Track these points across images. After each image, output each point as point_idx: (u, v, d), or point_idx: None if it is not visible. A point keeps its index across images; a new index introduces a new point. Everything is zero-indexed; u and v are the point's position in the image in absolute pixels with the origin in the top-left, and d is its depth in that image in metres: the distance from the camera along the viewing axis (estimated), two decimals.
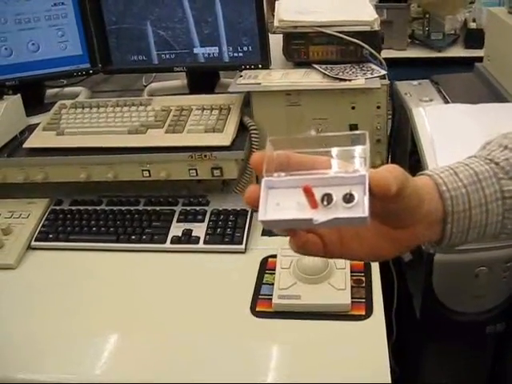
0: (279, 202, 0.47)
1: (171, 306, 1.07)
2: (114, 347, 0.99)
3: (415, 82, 1.41)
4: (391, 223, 0.52)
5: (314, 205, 0.45)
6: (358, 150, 0.47)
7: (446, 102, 1.29)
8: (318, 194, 0.45)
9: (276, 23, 1.31)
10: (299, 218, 0.45)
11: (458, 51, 1.88)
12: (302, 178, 0.46)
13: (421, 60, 1.88)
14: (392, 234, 0.53)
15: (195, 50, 1.36)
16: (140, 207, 1.29)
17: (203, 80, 1.50)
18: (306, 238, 0.49)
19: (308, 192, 0.45)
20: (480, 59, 1.64)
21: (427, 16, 1.87)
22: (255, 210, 0.47)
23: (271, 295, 1.03)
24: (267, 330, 0.99)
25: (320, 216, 0.45)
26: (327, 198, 0.45)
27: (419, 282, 1.25)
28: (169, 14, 1.33)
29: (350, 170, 0.46)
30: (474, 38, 1.87)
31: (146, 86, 1.58)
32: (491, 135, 1.14)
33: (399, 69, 1.61)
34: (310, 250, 0.50)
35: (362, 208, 0.44)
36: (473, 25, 1.88)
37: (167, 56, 1.38)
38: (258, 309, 1.02)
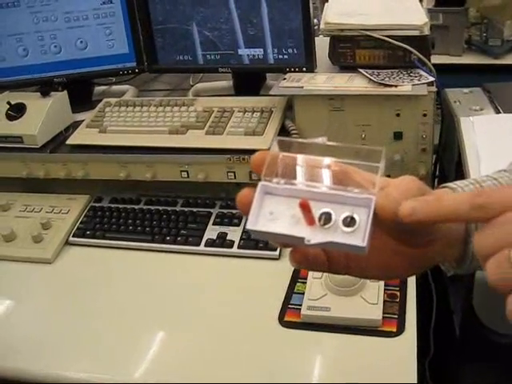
0: (273, 211, 0.43)
1: (200, 310, 1.06)
2: (143, 348, 0.99)
3: (466, 90, 1.35)
4: (406, 241, 0.47)
5: (310, 221, 0.42)
6: (371, 167, 0.43)
7: (497, 111, 1.23)
8: (316, 209, 0.41)
9: (322, 25, 1.28)
10: (290, 235, 0.42)
11: None
12: (301, 189, 0.43)
13: (476, 67, 1.80)
14: (406, 251, 0.48)
15: (240, 51, 1.35)
16: (177, 208, 1.29)
17: (249, 81, 1.48)
18: (305, 252, 0.45)
19: (305, 208, 0.41)
20: None
21: (485, 21, 1.79)
22: (245, 215, 0.43)
23: (300, 305, 1.01)
24: (293, 341, 0.97)
25: (314, 236, 0.41)
26: (325, 216, 0.41)
27: (461, 298, 1.20)
28: (214, 14, 1.32)
29: (356, 190, 0.42)
30: None
31: (192, 86, 1.58)
32: None
33: (454, 75, 1.55)
34: (312, 265, 0.47)
35: (361, 236, 0.40)
36: None
37: (212, 57, 1.37)
38: (286, 319, 1.00)
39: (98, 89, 1.58)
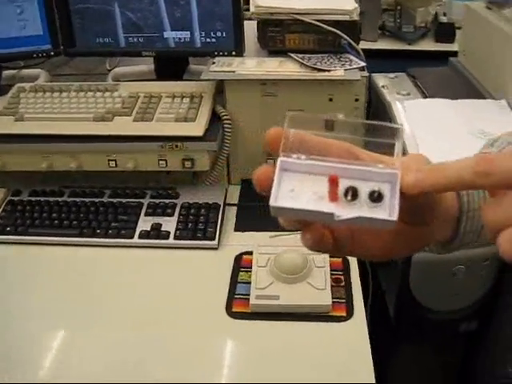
0: (294, 188, 0.40)
1: (139, 306, 1.00)
2: (80, 348, 0.93)
3: (392, 75, 1.38)
4: (411, 220, 0.46)
5: (334, 197, 0.40)
6: (391, 144, 0.41)
7: (424, 96, 1.27)
8: (340, 185, 0.40)
9: (252, 9, 1.25)
10: (319, 211, 0.39)
11: (428, 44, 1.86)
12: (325, 164, 0.40)
13: (391, 52, 1.85)
14: (409, 231, 0.47)
15: (165, 34, 1.29)
16: (105, 199, 1.22)
17: (172, 66, 1.42)
18: (322, 232, 0.43)
19: (334, 182, 0.39)
20: (450, 53, 1.62)
21: (399, 8, 1.84)
22: (264, 193, 0.41)
23: (248, 295, 0.98)
24: (245, 332, 0.94)
25: (342, 211, 0.39)
26: (352, 192, 0.40)
27: (393, 279, 1.23)
28: None
29: (380, 165, 0.41)
30: (445, 31, 1.85)
31: (109, 71, 1.50)
32: (472, 131, 1.13)
33: (370, 60, 1.58)
34: (324, 246, 0.45)
35: (389, 210, 0.39)
36: (443, 18, 1.87)
37: (135, 39, 1.30)
38: (234, 309, 0.98)
39: (7, 73, 1.46)
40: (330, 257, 1.05)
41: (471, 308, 1.18)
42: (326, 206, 0.40)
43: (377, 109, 1.30)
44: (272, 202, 0.39)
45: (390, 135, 0.42)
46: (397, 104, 1.18)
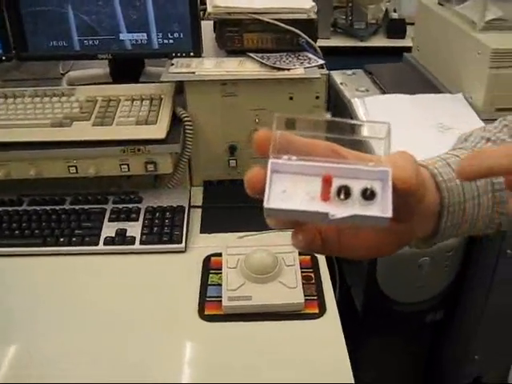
0: (286, 189, 0.41)
1: (109, 315, 0.98)
2: (33, 356, 0.90)
3: (349, 72, 1.40)
4: (397, 217, 0.47)
5: (326, 197, 0.40)
6: (377, 142, 0.42)
7: (382, 91, 1.29)
8: (332, 185, 0.40)
9: (209, 9, 1.24)
10: (314, 211, 0.39)
11: (380, 41, 1.89)
12: (316, 164, 0.41)
13: (343, 49, 1.88)
14: (393, 228, 0.46)
15: (121, 36, 1.27)
16: (66, 206, 1.19)
17: (128, 68, 1.40)
18: (314, 233, 0.44)
19: (328, 182, 0.40)
20: (403, 49, 1.66)
21: (350, 5, 1.86)
22: (256, 196, 0.41)
23: (219, 297, 0.98)
24: (219, 335, 0.94)
25: (337, 210, 0.39)
26: (344, 190, 0.40)
27: (359, 273, 1.25)
28: None
29: (370, 164, 0.41)
30: (396, 27, 1.89)
31: (63, 75, 1.46)
32: (433, 125, 1.15)
33: (325, 58, 1.59)
34: (314, 247, 0.45)
35: (383, 207, 0.40)
36: (394, 15, 1.90)
37: (90, 42, 1.28)
38: (206, 312, 0.97)
39: None
40: (299, 254, 1.05)
41: (437, 298, 1.20)
42: (320, 206, 0.40)
43: (336, 106, 1.31)
44: (267, 205, 0.39)
45: (379, 132, 0.43)
46: (357, 101, 1.19)
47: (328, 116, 0.39)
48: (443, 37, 1.26)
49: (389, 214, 0.39)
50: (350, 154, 0.44)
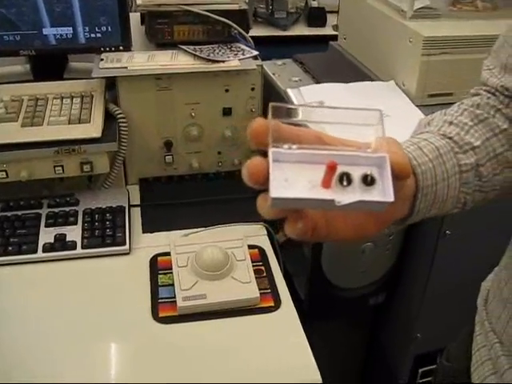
0: (288, 177, 0.41)
1: (58, 324, 0.94)
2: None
3: (279, 62, 1.40)
4: None
5: (327, 184, 0.41)
6: (372, 129, 0.43)
7: (315, 81, 1.29)
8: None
9: (138, 1, 1.20)
10: (320, 198, 0.40)
11: (301, 30, 1.91)
12: (316, 152, 0.41)
13: (264, 39, 1.87)
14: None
15: (45, 31, 1.20)
16: None
17: (51, 64, 1.33)
18: (315, 220, 0.44)
19: (332, 169, 0.40)
20: (325, 37, 1.68)
21: None
22: (256, 186, 0.40)
23: (172, 298, 0.96)
24: (175, 336, 0.92)
25: (342, 197, 0.40)
26: (346, 177, 0.41)
27: (301, 262, 1.26)
28: None
29: (368, 150, 0.42)
30: (316, 16, 1.91)
31: None
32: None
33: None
34: (309, 234, 0.45)
35: (384, 192, 0.41)
36: (314, 3, 1.92)
37: (11, 38, 1.20)
38: (161, 314, 0.94)
39: None
40: (248, 248, 1.05)
41: (379, 282, 1.24)
42: (324, 193, 0.41)
43: (270, 96, 1.31)
44: (273, 194, 0.39)
45: (373, 119, 0.44)
46: (293, 91, 1.19)
47: (321, 103, 0.40)
48: (372, 25, 1.28)
49: (392, 198, 0.41)
50: (336, 140, 0.45)
